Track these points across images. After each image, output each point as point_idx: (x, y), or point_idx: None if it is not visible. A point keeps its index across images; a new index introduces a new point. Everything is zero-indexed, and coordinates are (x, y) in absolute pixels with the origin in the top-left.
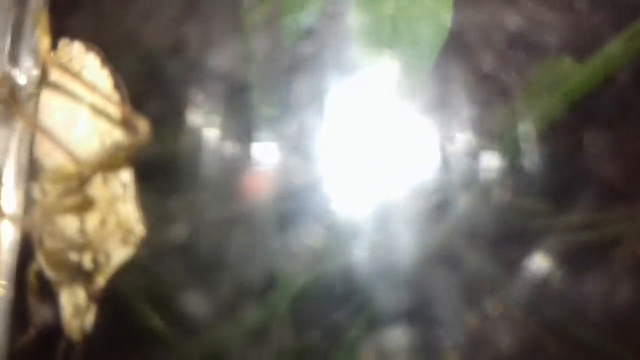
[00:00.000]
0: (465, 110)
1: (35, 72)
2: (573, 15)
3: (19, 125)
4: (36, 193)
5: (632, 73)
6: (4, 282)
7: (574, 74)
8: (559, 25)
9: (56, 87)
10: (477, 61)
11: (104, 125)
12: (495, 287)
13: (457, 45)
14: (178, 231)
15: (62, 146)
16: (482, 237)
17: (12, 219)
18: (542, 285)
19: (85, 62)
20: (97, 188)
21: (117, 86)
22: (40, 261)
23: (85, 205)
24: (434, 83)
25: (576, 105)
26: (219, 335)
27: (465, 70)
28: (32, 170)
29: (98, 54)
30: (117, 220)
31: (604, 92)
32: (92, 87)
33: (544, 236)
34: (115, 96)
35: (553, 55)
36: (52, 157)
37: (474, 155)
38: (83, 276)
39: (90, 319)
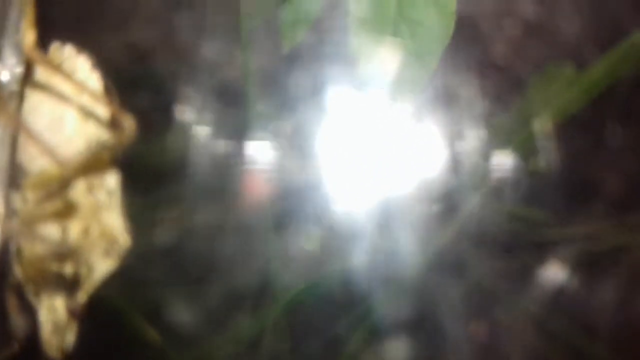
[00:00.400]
0: (476, 104)
1: (19, 69)
2: (592, 2)
3: (1, 124)
4: (17, 202)
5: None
6: None
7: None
8: (577, 12)
9: (41, 86)
10: (490, 51)
11: (91, 127)
12: (500, 296)
13: (468, 34)
14: (167, 235)
15: (45, 147)
16: (488, 245)
17: None
18: (550, 295)
19: (75, 65)
20: (80, 195)
21: (107, 89)
22: (19, 274)
23: (67, 211)
24: (443, 75)
25: (595, 102)
26: (211, 347)
27: (477, 61)
28: (15, 176)
29: (89, 57)
30: (100, 229)
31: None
32: (79, 84)
33: (552, 246)
34: (104, 97)
35: (571, 44)
36: (36, 162)
37: (484, 154)
38: (63, 290)
39: (71, 337)
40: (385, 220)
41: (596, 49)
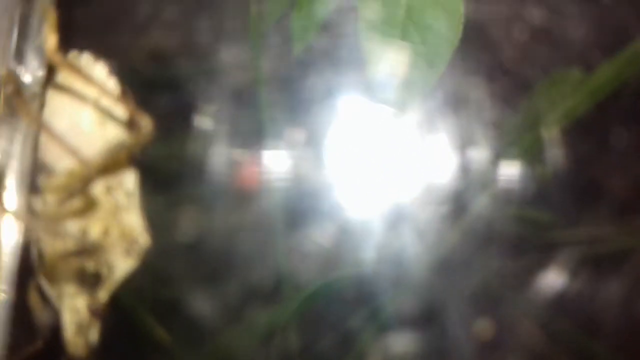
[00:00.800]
0: (484, 108)
1: (41, 72)
2: (598, 8)
3: (23, 124)
4: (38, 205)
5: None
6: (4, 287)
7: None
8: (584, 18)
9: (62, 88)
10: (498, 56)
11: (109, 129)
12: (506, 297)
13: (477, 39)
14: (185, 235)
15: (68, 146)
16: (495, 246)
17: (16, 215)
18: (555, 297)
19: (93, 72)
20: (99, 196)
21: (124, 94)
22: (41, 276)
23: (87, 208)
24: (452, 79)
25: (601, 106)
26: (227, 342)
27: (485, 66)
28: (39, 174)
29: (108, 61)
30: (120, 230)
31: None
32: (99, 87)
33: (558, 248)
34: (123, 99)
35: (578, 49)
36: (60, 162)
37: (492, 157)
38: (85, 289)
39: (94, 334)
40: (395, 222)
41: (602, 53)
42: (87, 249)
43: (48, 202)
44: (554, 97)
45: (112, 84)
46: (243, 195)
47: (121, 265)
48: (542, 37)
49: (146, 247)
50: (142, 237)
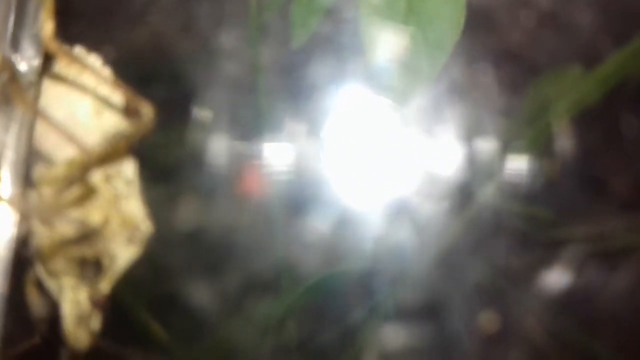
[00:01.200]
0: (490, 95)
1: (37, 60)
2: None
3: (19, 113)
4: (34, 195)
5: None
6: None
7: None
8: (592, 3)
9: (59, 77)
10: (505, 42)
11: (107, 118)
12: (509, 294)
13: (484, 24)
14: (183, 225)
15: (66, 133)
16: (499, 240)
17: (11, 205)
18: (559, 294)
19: (87, 64)
20: (99, 186)
21: (119, 84)
22: (40, 268)
23: (87, 195)
24: (456, 66)
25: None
26: (226, 333)
27: (492, 52)
28: (35, 164)
29: (103, 51)
30: (121, 218)
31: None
32: (96, 75)
33: (561, 244)
34: (121, 87)
35: (585, 35)
36: (59, 151)
37: (498, 148)
38: (86, 280)
39: (96, 325)
40: (398, 214)
41: (610, 39)
42: (87, 237)
43: (45, 192)
44: (561, 87)
45: (106, 74)
46: (245, 192)
47: (123, 254)
48: (549, 22)
49: (149, 233)
50: (144, 224)
